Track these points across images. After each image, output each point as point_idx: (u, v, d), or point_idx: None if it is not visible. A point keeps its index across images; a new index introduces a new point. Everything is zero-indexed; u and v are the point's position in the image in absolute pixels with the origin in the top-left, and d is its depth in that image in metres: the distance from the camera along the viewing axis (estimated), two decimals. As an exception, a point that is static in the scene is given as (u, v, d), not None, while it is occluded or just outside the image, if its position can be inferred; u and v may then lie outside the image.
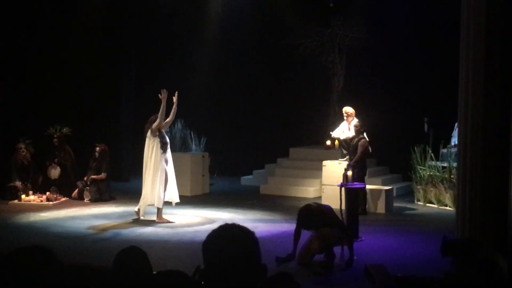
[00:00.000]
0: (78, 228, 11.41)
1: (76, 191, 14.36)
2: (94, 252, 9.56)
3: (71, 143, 15.04)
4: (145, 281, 3.81)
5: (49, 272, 2.81)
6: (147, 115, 12.12)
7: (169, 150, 11.99)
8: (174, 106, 11.91)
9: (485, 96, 9.13)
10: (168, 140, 12.08)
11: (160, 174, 11.75)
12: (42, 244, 2.95)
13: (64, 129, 14.86)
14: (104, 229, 11.35)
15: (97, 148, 14.40)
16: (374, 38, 16.27)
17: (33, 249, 2.89)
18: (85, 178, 14.34)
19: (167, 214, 12.09)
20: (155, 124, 11.73)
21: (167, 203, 11.99)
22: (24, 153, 14.45)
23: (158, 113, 11.74)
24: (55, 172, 14.71)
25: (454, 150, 13.57)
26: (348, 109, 13.82)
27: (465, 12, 9.49)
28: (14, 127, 15.45)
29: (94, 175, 14.22)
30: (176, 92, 11.94)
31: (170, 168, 11.99)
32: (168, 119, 12.02)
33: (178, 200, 12.09)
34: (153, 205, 11.86)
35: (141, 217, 11.90)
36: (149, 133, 11.80)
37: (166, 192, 11.83)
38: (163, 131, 11.95)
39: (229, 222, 2.79)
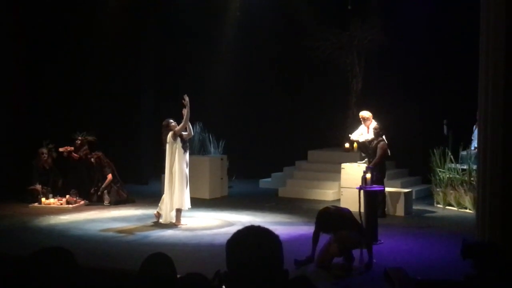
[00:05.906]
0: (97, 231, 11.46)
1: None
2: (113, 255, 9.58)
3: (93, 147, 15.02)
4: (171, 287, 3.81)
5: (68, 274, 2.83)
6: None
7: (187, 153, 12.03)
8: (187, 111, 11.71)
9: (505, 98, 9.07)
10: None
11: (185, 177, 11.81)
12: (61, 246, 2.97)
13: (89, 137, 14.86)
14: (123, 232, 11.37)
15: (92, 159, 14.46)
16: (392, 40, 16.20)
17: (53, 251, 2.91)
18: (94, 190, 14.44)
19: (186, 217, 12.13)
20: (178, 128, 11.76)
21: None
22: (45, 158, 14.55)
23: (169, 118, 11.94)
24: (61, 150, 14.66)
25: (474, 152, 13.48)
26: (364, 114, 13.68)
27: (485, 13, 9.44)
28: (37, 132, 15.55)
29: (101, 184, 14.34)
30: (185, 95, 11.77)
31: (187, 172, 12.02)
32: (190, 133, 12.06)
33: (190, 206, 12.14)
34: (178, 209, 11.86)
35: (164, 222, 11.90)
36: (169, 137, 11.80)
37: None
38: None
39: (249, 225, 2.73)
